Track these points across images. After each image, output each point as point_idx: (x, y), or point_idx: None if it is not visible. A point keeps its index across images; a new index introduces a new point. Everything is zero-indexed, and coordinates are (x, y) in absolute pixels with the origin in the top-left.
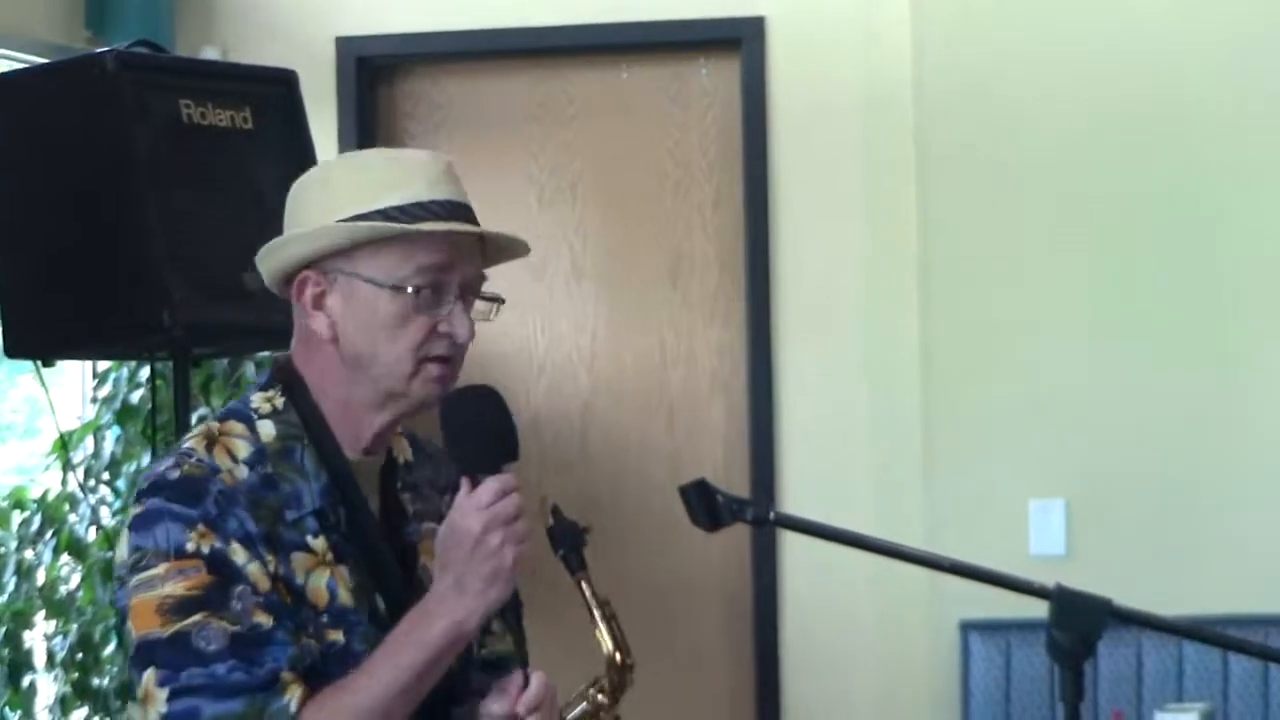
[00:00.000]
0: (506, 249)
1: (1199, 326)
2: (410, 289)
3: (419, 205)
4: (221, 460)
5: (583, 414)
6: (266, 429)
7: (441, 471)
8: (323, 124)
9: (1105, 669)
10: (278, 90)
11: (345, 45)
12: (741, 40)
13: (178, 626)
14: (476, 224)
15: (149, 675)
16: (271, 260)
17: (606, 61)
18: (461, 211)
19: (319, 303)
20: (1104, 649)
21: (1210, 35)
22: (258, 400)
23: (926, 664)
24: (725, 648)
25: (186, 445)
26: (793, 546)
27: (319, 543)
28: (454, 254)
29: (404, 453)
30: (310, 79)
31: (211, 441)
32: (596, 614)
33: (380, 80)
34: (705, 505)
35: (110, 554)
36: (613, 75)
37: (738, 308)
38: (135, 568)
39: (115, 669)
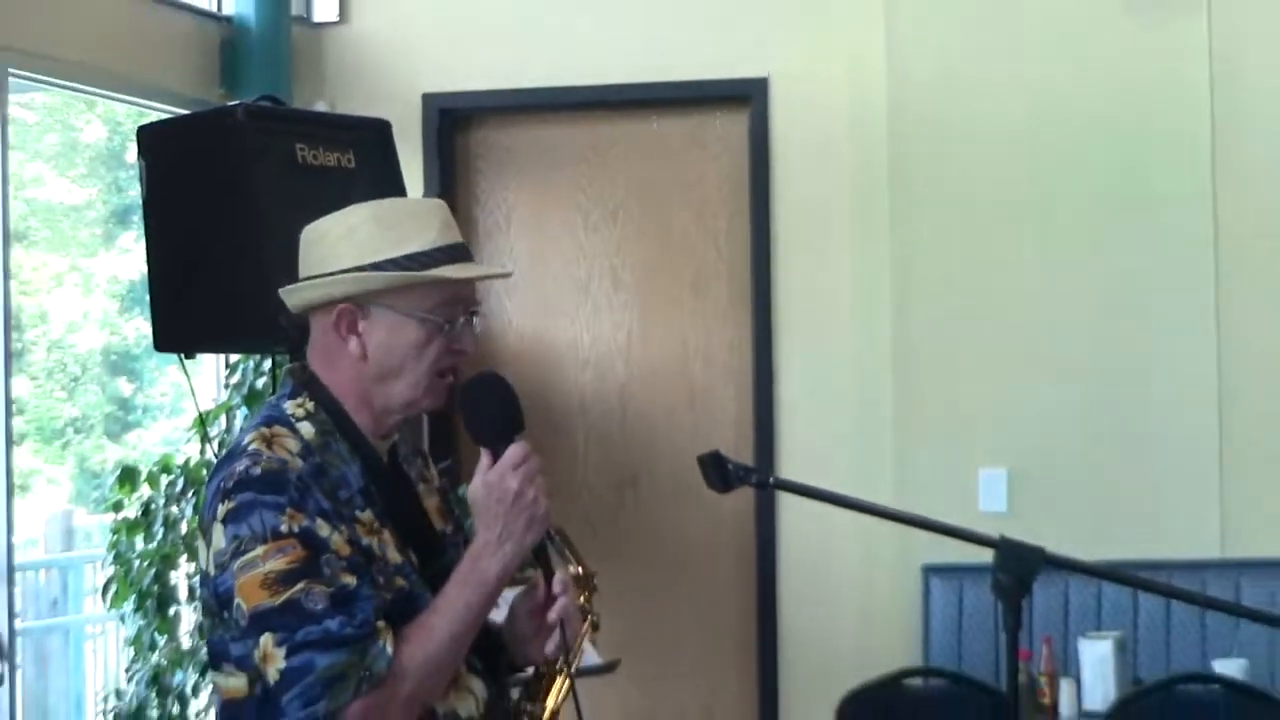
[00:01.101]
0: (475, 290)
1: (1117, 327)
2: (433, 319)
3: (437, 250)
4: (283, 455)
5: (620, 396)
6: (306, 429)
7: (407, 444)
8: (411, 163)
9: (1039, 603)
10: (375, 136)
11: (430, 100)
12: (749, 96)
13: (286, 595)
14: (471, 258)
15: (266, 639)
16: (311, 294)
17: (640, 113)
18: (464, 252)
19: (353, 329)
20: (1037, 588)
21: (1135, 89)
22: (290, 407)
23: (895, 599)
24: (734, 584)
25: (252, 447)
26: (788, 505)
27: (366, 514)
28: (463, 289)
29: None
30: (401, 127)
31: (269, 442)
32: (556, 541)
33: (458, 128)
34: (718, 471)
35: None
36: (645, 125)
37: (745, 313)
38: (236, 553)
39: None
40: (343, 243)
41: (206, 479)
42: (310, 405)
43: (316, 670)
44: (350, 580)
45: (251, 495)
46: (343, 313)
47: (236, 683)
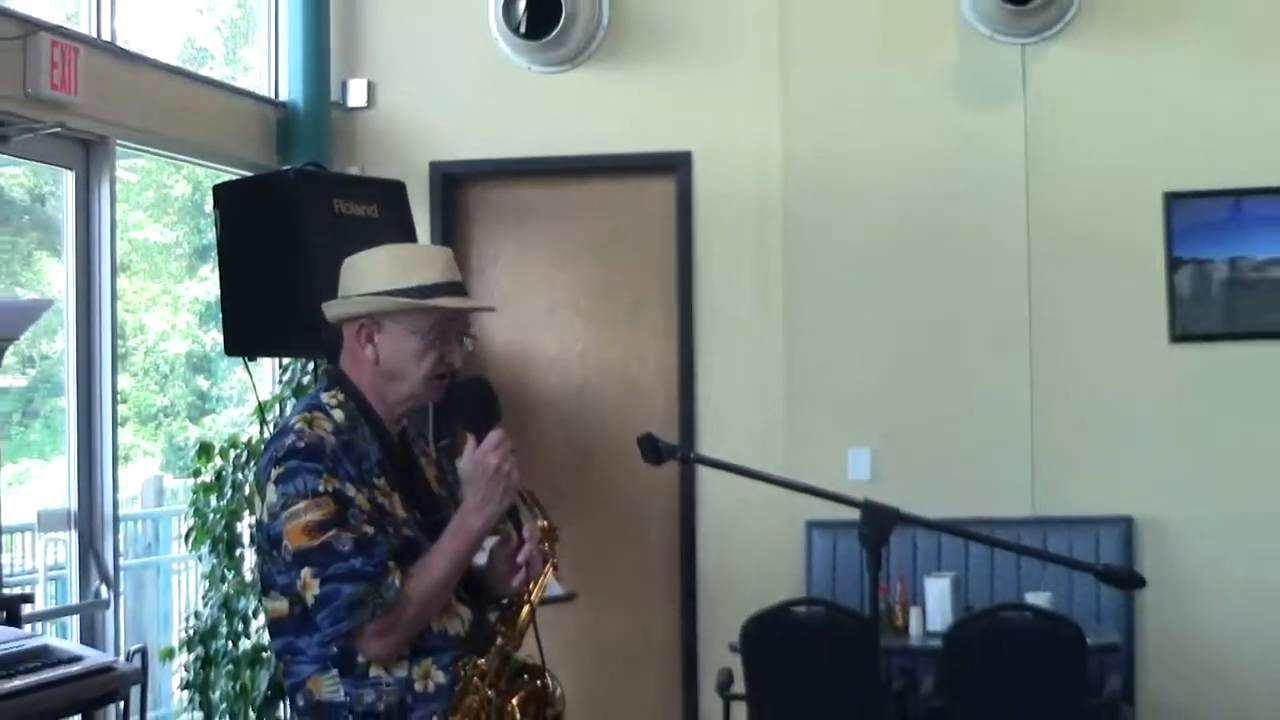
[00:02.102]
0: (467, 318)
1: (954, 338)
2: (430, 336)
3: (438, 285)
4: (320, 433)
5: (578, 392)
6: (338, 414)
7: (413, 427)
8: (420, 215)
9: (894, 550)
10: (394, 194)
11: (435, 167)
12: (676, 166)
13: (322, 539)
14: (467, 294)
15: (305, 572)
16: (342, 309)
17: (595, 178)
18: (459, 288)
19: (370, 339)
20: (893, 538)
21: (970, 160)
22: (326, 397)
23: (785, 546)
24: (664, 535)
25: (297, 426)
26: (705, 475)
27: (382, 481)
28: (454, 315)
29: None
30: (414, 187)
31: (310, 423)
32: (527, 501)
33: (457, 188)
34: (652, 449)
35: None
36: (600, 186)
37: (673, 330)
38: (284, 506)
39: None
40: (366, 273)
41: (264, 450)
42: (341, 397)
43: (343, 597)
44: (369, 529)
45: (296, 463)
46: (363, 326)
47: (280, 605)
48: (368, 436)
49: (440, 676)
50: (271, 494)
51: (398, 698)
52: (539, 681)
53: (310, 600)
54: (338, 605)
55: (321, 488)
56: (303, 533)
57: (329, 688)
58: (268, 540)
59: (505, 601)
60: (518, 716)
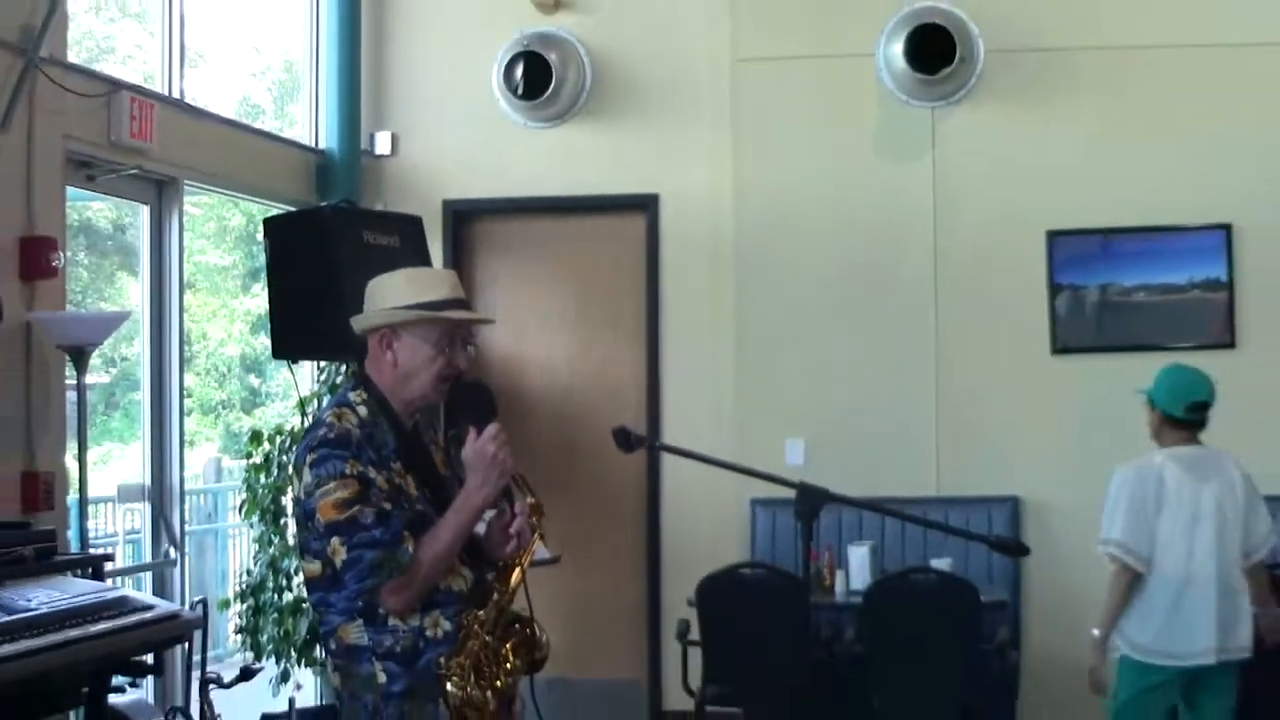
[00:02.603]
0: (471, 329)
1: (874, 349)
2: (439, 344)
3: (446, 301)
4: (348, 425)
5: (565, 392)
6: (362, 410)
7: (424, 421)
8: (434, 244)
9: (823, 523)
10: (412, 227)
11: (447, 204)
12: (646, 206)
13: (349, 513)
14: (470, 308)
15: (335, 540)
16: (366, 321)
17: (578, 215)
18: (464, 303)
19: (390, 346)
20: (823, 514)
21: (888, 205)
22: (353, 396)
23: (733, 519)
24: (634, 510)
25: (328, 420)
26: (668, 460)
27: (398, 465)
28: (459, 326)
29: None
30: (429, 221)
31: (339, 417)
32: (519, 482)
33: (464, 223)
34: (624, 439)
35: None
36: (582, 222)
37: (642, 342)
38: (317, 486)
39: None
40: (387, 291)
41: (302, 439)
42: (365, 395)
43: (365, 561)
44: (388, 505)
45: (327, 451)
46: (383, 335)
47: (314, 567)
48: (386, 428)
49: (447, 625)
50: (307, 476)
51: (412, 642)
52: (528, 630)
53: (339, 563)
54: (361, 568)
55: (348, 471)
56: (332, 508)
57: (355, 634)
58: (304, 514)
59: (500, 564)
60: (510, 658)
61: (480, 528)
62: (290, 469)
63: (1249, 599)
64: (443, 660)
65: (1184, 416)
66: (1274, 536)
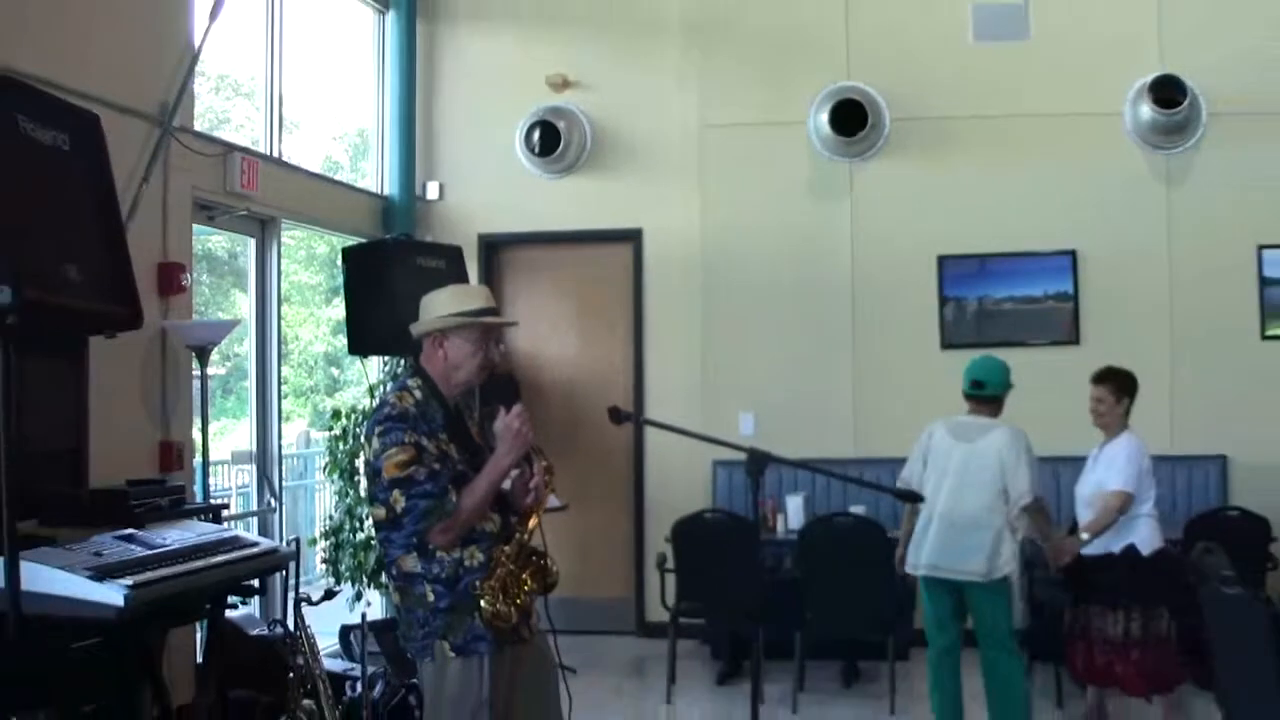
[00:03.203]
0: (501, 330)
1: (804, 345)
2: (479, 343)
3: (482, 309)
4: (406, 405)
5: (570, 381)
6: (417, 394)
7: (464, 401)
8: (471, 267)
9: (768, 479)
10: (454, 254)
11: (481, 237)
12: (632, 237)
13: (407, 472)
14: (499, 314)
15: (395, 492)
16: (423, 327)
17: (581, 244)
18: (496, 311)
19: (441, 345)
20: (767, 472)
21: (818, 234)
22: (411, 382)
23: (699, 477)
24: (624, 469)
25: (391, 400)
26: (650, 431)
27: (443, 435)
28: (493, 328)
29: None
30: (467, 250)
31: (400, 398)
32: (537, 450)
33: (494, 251)
34: (616, 415)
35: None
36: (584, 250)
37: (631, 342)
38: (383, 451)
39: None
40: (436, 303)
41: (371, 415)
42: (420, 381)
43: (419, 508)
44: (437, 466)
45: (390, 424)
46: (435, 337)
47: (380, 512)
48: (436, 407)
49: (480, 557)
50: (375, 443)
51: (454, 570)
52: (543, 561)
53: (399, 510)
54: (416, 513)
55: (406, 440)
56: (394, 467)
57: (411, 563)
58: (373, 472)
59: (521, 511)
60: (529, 582)
61: (505, 484)
62: (362, 438)
63: (1001, 534)
64: (478, 583)
65: (968, 391)
66: (1033, 489)
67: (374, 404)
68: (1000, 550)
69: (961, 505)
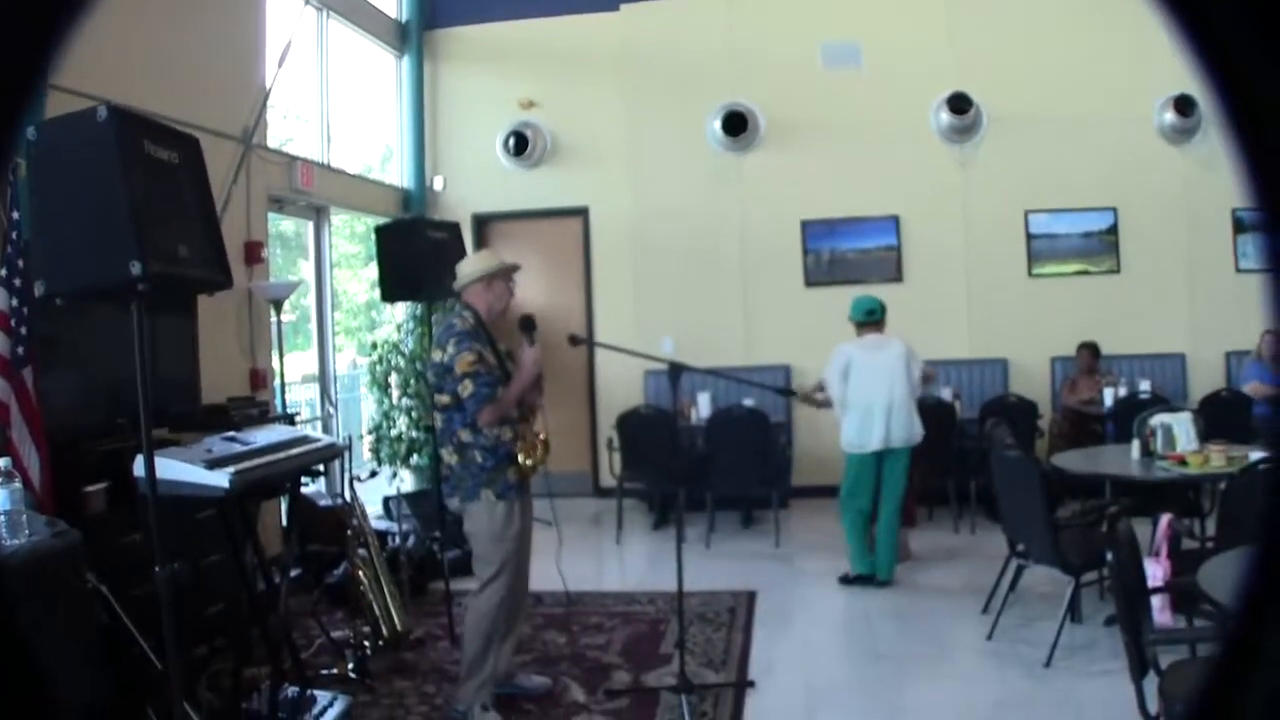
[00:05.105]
0: (517, 269)
1: (724, 293)
2: (504, 285)
3: (501, 265)
4: (468, 325)
5: (542, 317)
6: (468, 321)
7: (497, 333)
8: (468, 237)
9: (684, 383)
10: (454, 228)
11: (475, 216)
12: (582, 213)
13: (474, 368)
14: (516, 267)
15: (467, 381)
16: (466, 280)
17: (546, 219)
18: (514, 266)
19: (489, 286)
20: (684, 378)
21: (731, 211)
22: (466, 314)
23: (634, 384)
24: (580, 380)
25: (457, 322)
26: (600, 352)
27: (488, 350)
28: (511, 274)
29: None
30: (464, 224)
31: (463, 320)
32: (542, 377)
33: (484, 225)
34: (573, 339)
35: (413, 353)
36: (548, 223)
37: (584, 290)
38: (458, 353)
39: (421, 385)
40: (474, 266)
41: (442, 331)
42: (470, 313)
43: (481, 395)
44: (492, 363)
45: (461, 336)
46: (486, 281)
47: (446, 399)
48: (482, 331)
49: (509, 434)
50: (450, 348)
51: (494, 441)
52: (541, 436)
53: (465, 395)
54: (478, 398)
55: (473, 346)
56: (465, 365)
57: (466, 436)
58: (444, 369)
59: (530, 407)
60: (539, 450)
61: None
62: (434, 346)
63: (913, 412)
64: (516, 446)
65: (863, 319)
66: (921, 382)
67: (400, 338)
68: (915, 421)
69: (890, 397)
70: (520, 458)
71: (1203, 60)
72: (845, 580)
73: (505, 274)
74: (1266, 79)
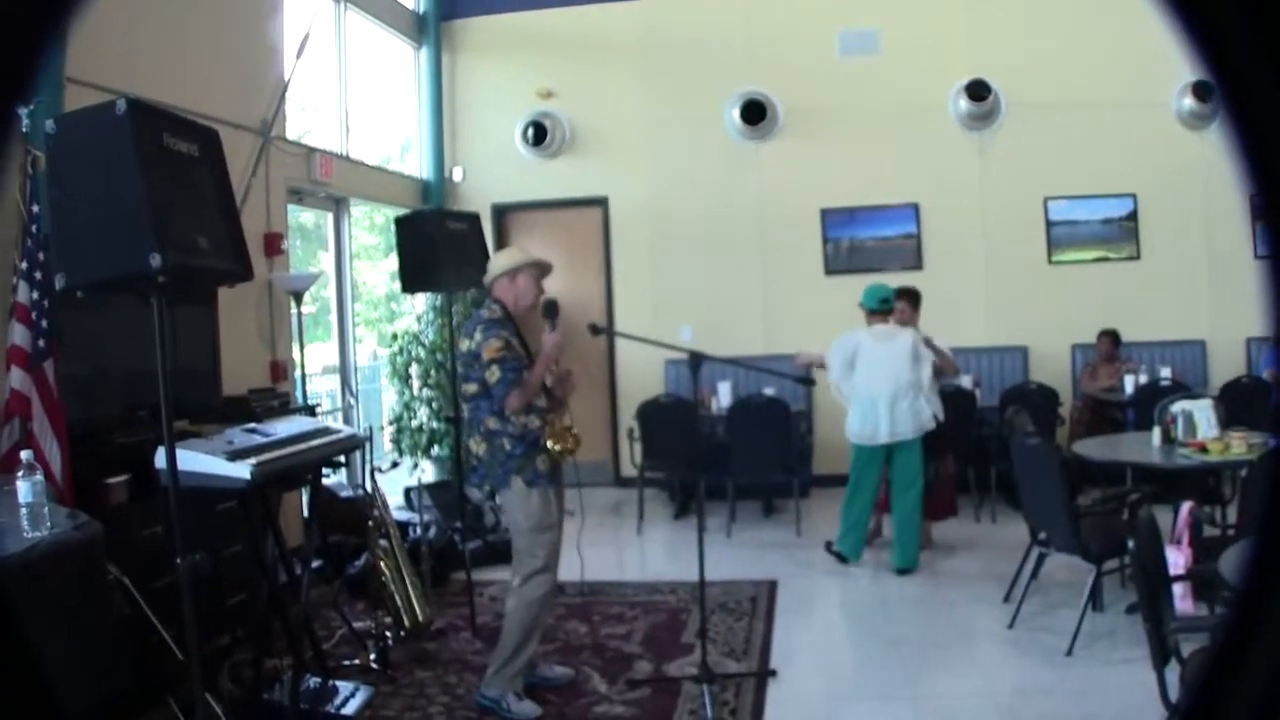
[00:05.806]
0: (549, 268)
1: (732, 282)
2: (532, 278)
3: (529, 259)
4: (496, 315)
5: (564, 306)
6: (495, 312)
7: (521, 324)
8: (487, 228)
9: (705, 372)
10: (474, 220)
11: (494, 206)
12: (603, 203)
13: (500, 355)
14: (545, 264)
15: (493, 368)
16: (496, 273)
17: (567, 209)
18: (542, 262)
19: (515, 280)
20: (704, 367)
21: (739, 197)
22: (494, 306)
23: (655, 373)
24: (601, 369)
25: (484, 313)
26: (620, 341)
27: (514, 339)
28: (542, 270)
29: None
30: (483, 215)
31: (491, 312)
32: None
33: (503, 215)
34: (593, 328)
35: (434, 344)
36: (569, 212)
37: (604, 279)
38: (485, 340)
39: (441, 376)
40: (501, 259)
41: (471, 320)
42: (498, 307)
43: (508, 379)
44: (521, 354)
45: (489, 324)
46: (513, 275)
47: (473, 387)
48: (508, 322)
49: (536, 421)
50: (478, 336)
51: (521, 429)
52: (573, 429)
53: (492, 382)
54: (503, 385)
55: (500, 333)
56: (493, 351)
57: (494, 424)
58: (472, 356)
59: (559, 398)
60: (569, 438)
61: (549, 380)
62: (462, 334)
63: (919, 401)
64: (545, 431)
65: (877, 308)
66: (929, 372)
67: (420, 329)
68: (923, 411)
69: (895, 387)
70: (550, 443)
71: (1203, 58)
72: (828, 547)
73: (530, 269)
74: (1267, 79)
